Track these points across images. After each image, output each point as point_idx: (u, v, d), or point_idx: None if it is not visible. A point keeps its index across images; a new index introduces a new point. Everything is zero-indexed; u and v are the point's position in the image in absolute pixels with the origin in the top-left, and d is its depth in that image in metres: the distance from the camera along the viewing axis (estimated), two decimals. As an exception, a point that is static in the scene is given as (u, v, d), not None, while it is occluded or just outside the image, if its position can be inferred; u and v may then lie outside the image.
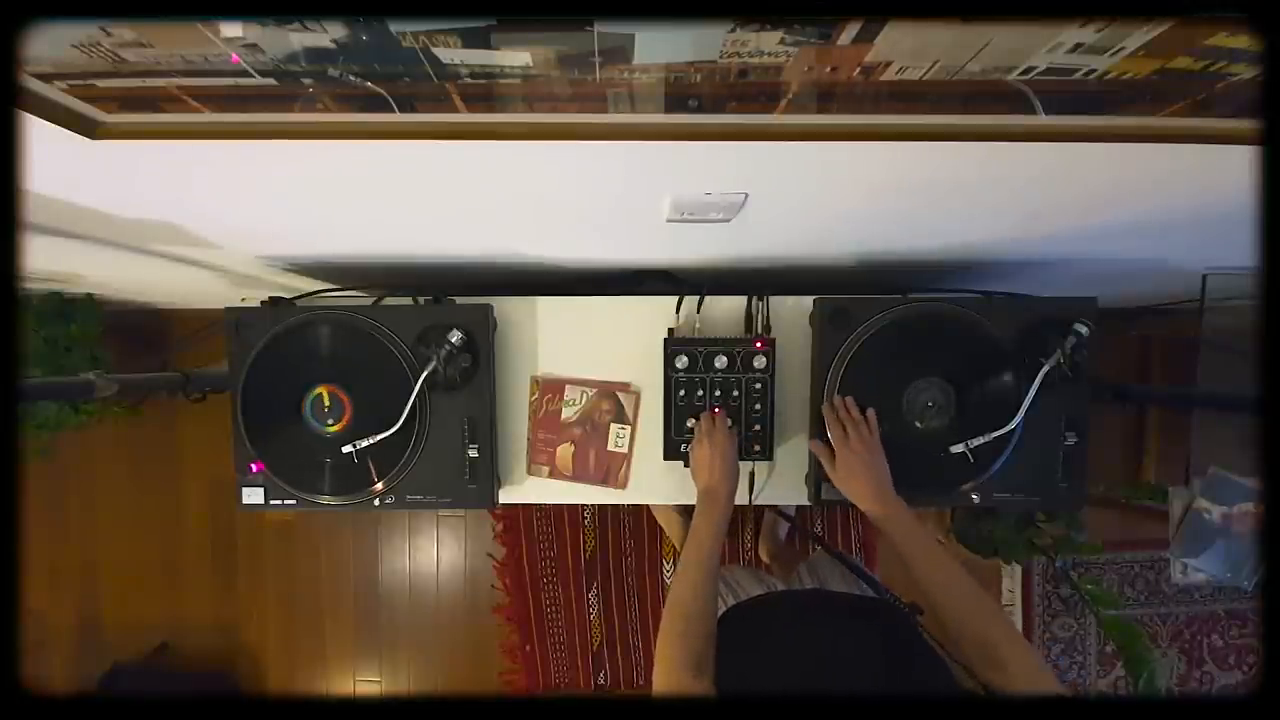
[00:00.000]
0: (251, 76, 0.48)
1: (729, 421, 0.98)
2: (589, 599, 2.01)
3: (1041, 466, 0.98)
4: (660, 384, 1.00)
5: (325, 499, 1.00)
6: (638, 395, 1.07)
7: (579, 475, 1.08)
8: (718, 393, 1.00)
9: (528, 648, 2.03)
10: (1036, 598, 2.03)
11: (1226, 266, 1.16)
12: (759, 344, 0.99)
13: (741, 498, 1.04)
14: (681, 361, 0.99)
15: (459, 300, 1.01)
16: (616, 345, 1.06)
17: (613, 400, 1.07)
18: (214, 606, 2.05)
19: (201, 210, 0.86)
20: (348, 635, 2.06)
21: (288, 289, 1.12)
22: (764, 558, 1.88)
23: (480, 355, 0.98)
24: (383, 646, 2.06)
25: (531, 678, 2.04)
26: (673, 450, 1.01)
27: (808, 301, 1.02)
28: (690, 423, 1.00)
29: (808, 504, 1.02)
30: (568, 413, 1.08)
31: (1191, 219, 0.88)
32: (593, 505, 1.97)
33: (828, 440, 0.92)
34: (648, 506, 1.96)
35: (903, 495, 0.99)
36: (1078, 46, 0.45)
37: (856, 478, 0.87)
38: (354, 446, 0.93)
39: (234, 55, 0.46)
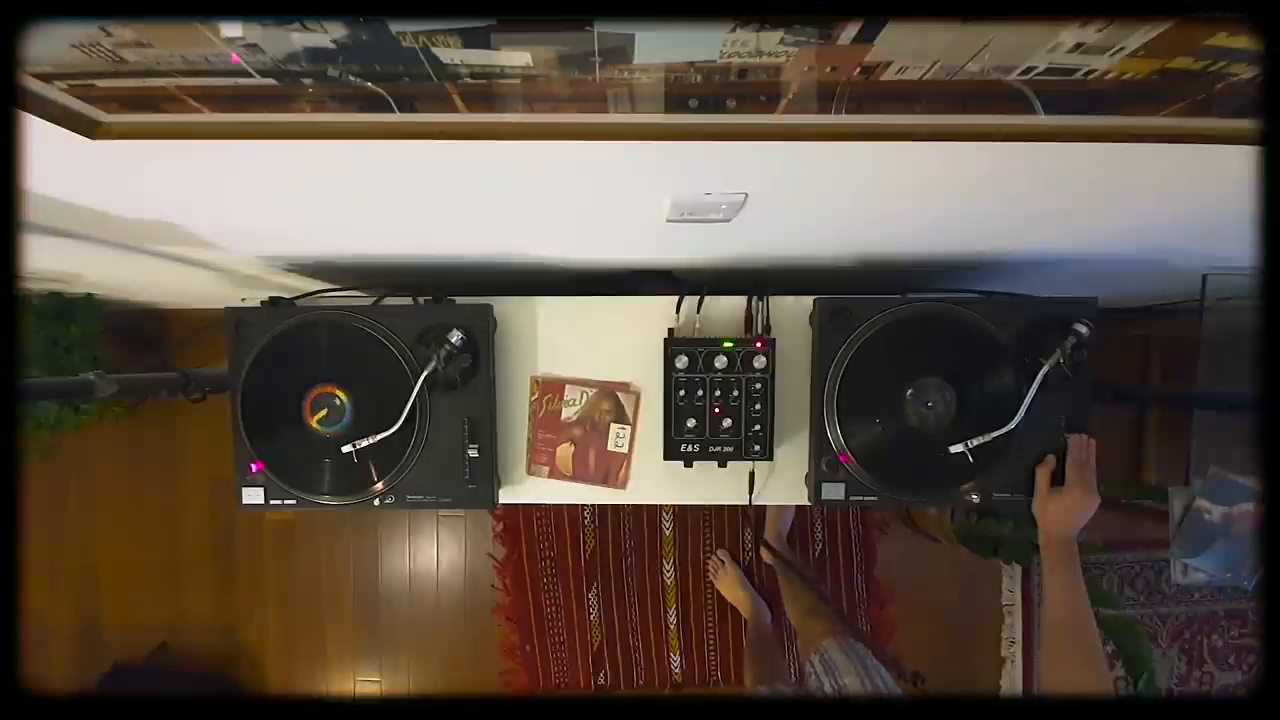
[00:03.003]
0: (251, 76, 0.48)
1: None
2: (589, 599, 2.01)
3: (1041, 466, 0.98)
4: (660, 384, 1.00)
5: (325, 499, 1.00)
6: (638, 395, 1.07)
7: (579, 475, 1.08)
8: (718, 392, 1.00)
9: (528, 648, 2.03)
10: (1036, 598, 2.03)
11: (1226, 266, 1.16)
12: (759, 344, 0.99)
13: (741, 497, 1.06)
14: (681, 361, 0.99)
15: (459, 300, 1.01)
16: (616, 345, 1.06)
17: (613, 400, 1.07)
18: (214, 606, 2.05)
19: (201, 210, 0.86)
20: (348, 635, 2.06)
21: (288, 289, 1.12)
22: (766, 559, 1.88)
23: (480, 355, 0.98)
24: (383, 646, 2.06)
25: (531, 678, 2.04)
26: (673, 450, 1.01)
27: (808, 301, 1.02)
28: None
29: (807, 504, 1.02)
30: (568, 413, 1.08)
31: (1191, 219, 0.88)
32: (593, 505, 1.96)
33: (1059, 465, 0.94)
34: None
35: (904, 495, 1.00)
36: (1078, 46, 0.45)
37: (1080, 516, 0.90)
38: (354, 446, 0.93)
39: (234, 55, 0.46)
